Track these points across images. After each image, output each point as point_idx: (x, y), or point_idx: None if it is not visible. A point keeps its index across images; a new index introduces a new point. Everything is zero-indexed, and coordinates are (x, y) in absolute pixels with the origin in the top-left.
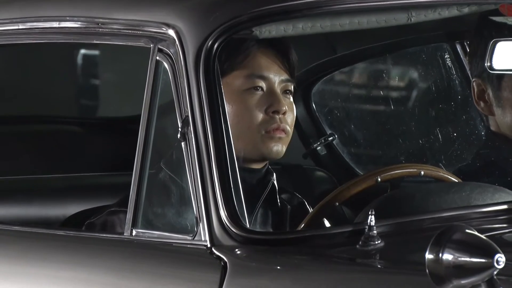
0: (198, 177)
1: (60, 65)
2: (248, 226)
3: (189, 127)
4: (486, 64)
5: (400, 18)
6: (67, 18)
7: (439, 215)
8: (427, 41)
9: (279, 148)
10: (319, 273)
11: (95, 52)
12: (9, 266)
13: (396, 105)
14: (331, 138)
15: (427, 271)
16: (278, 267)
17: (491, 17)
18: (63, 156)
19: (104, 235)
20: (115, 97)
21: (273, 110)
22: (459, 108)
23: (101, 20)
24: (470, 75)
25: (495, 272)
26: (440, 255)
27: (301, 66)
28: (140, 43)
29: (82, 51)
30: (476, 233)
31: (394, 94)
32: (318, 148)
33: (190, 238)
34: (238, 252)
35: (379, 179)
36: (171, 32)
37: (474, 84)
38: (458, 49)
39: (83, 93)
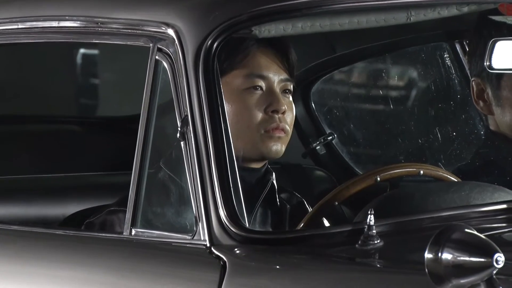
0: (198, 176)
1: (59, 65)
2: (247, 225)
3: (188, 127)
4: (485, 64)
5: (399, 18)
6: (67, 17)
7: (438, 214)
8: (426, 41)
9: (279, 147)
10: (319, 272)
11: (95, 52)
12: (8, 266)
13: (396, 104)
14: (330, 137)
15: (426, 270)
16: (278, 267)
17: (491, 17)
18: (62, 156)
19: (104, 234)
20: (114, 97)
21: (272, 110)
22: (458, 108)
23: (100, 19)
24: (469, 75)
25: (494, 272)
26: (440, 254)
27: (300, 65)
28: (140, 43)
29: (82, 50)
30: (475, 232)
31: (394, 93)
32: (318, 147)
33: (189, 237)
34: (238, 252)
35: (379, 179)
36: (170, 32)
37: (473, 83)
38: (458, 48)
39: (83, 92)
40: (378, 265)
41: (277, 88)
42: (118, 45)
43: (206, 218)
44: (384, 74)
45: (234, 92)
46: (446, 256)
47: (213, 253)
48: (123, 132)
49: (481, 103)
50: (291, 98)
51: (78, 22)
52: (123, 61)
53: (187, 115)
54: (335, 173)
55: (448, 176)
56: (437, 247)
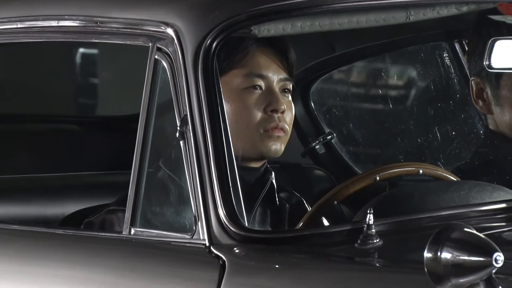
0: (197, 175)
1: (59, 64)
2: (246, 224)
3: (187, 126)
4: (484, 63)
5: (399, 17)
6: (66, 17)
7: (437, 213)
8: (425, 40)
9: (278, 147)
10: (318, 271)
11: (94, 51)
12: (7, 265)
13: (395, 104)
14: (329, 136)
15: (425, 269)
16: (277, 266)
17: (490, 16)
18: (61, 155)
19: (103, 234)
20: (113, 96)
21: (271, 109)
22: (457, 107)
23: (99, 19)
24: (468, 74)
25: (493, 271)
26: (439, 253)
27: (299, 64)
28: (139, 42)
29: (81, 50)
30: (474, 231)
31: (393, 93)
32: (317, 146)
33: (188, 237)
34: (237, 251)
35: (378, 178)
36: (169, 31)
37: (472, 82)
38: (457, 47)
39: (82, 92)
40: (378, 265)
41: (276, 87)
42: (117, 45)
43: (206, 218)
44: (384, 73)
45: (233, 92)
46: (446, 255)
47: (213, 252)
48: (122, 131)
49: (480, 103)
50: (290, 98)
51: (78, 21)
52: (123, 60)
53: (186, 115)
54: (334, 173)
55: (447, 176)
56: (437, 246)
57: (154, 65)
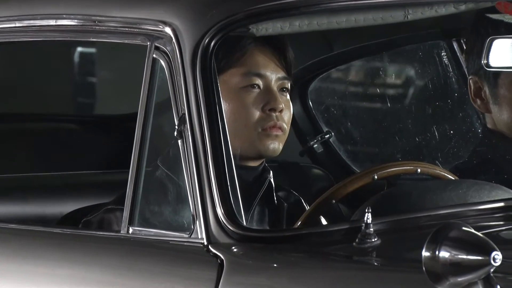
0: (195, 174)
1: (57, 63)
2: (244, 223)
3: (185, 125)
4: (482, 62)
5: (396, 16)
6: (64, 16)
7: (435, 212)
8: (423, 39)
9: (276, 145)
10: (316, 270)
11: (92, 50)
12: (6, 264)
13: (393, 102)
14: (327, 135)
15: (423, 268)
16: (275, 265)
17: (488, 15)
18: (60, 154)
19: (101, 233)
20: (112, 95)
21: (269, 108)
22: (455, 106)
23: (97, 18)
24: (466, 73)
25: (491, 270)
26: (437, 252)
27: (297, 63)
28: (137, 41)
29: (79, 49)
30: (472, 230)
31: (391, 91)
32: (315, 145)
33: (186, 236)
34: (235, 250)
35: (376, 177)
36: (168, 30)
37: (470, 81)
38: (455, 46)
39: (80, 90)
40: (376, 263)
41: (274, 86)
42: (115, 44)
43: (204, 216)
44: (382, 72)
45: (231, 91)
46: (444, 254)
47: (211, 251)
48: (120, 130)
49: (478, 101)
50: (288, 97)
51: (76, 20)
52: (121, 59)
53: (184, 114)
54: (333, 171)
55: (446, 174)
56: (435, 245)
57: (152, 64)
